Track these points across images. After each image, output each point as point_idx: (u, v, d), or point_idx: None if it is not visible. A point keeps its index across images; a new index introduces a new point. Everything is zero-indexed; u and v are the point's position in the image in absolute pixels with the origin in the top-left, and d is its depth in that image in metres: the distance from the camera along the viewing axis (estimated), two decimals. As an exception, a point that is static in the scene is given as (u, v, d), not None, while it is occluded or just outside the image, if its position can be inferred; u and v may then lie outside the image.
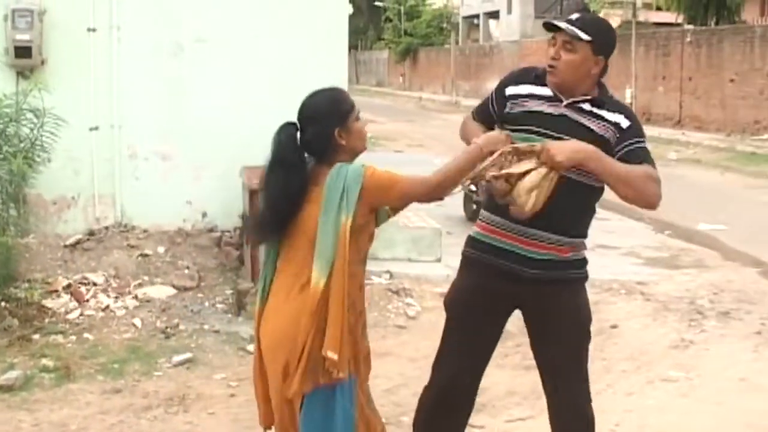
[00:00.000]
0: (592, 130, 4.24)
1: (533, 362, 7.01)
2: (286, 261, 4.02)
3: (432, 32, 67.39)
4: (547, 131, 4.24)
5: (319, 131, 3.95)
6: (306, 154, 4.02)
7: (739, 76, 28.48)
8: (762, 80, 27.29)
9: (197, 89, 9.60)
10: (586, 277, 4.54)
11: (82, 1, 9.32)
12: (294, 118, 4.05)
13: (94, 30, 9.36)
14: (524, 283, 4.35)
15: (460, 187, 4.13)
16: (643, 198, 4.23)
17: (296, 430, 4.00)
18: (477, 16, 66.00)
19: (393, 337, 8.02)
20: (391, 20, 71.52)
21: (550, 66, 4.30)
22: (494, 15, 61.89)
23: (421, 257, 10.33)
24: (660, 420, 6.27)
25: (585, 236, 4.46)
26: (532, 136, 4.24)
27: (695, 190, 18.59)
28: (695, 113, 30.41)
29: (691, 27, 33.51)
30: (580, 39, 4.21)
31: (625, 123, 4.28)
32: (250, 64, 9.64)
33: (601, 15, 45.09)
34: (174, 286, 8.62)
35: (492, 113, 4.53)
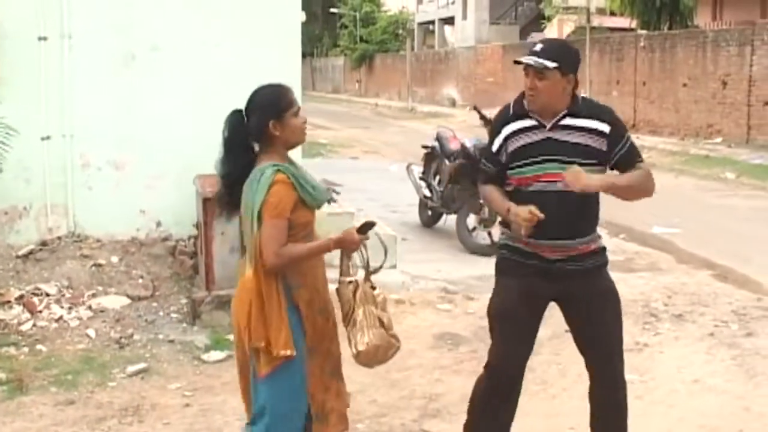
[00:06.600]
0: (579, 144, 4.84)
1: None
2: (246, 245, 4.48)
3: (388, 38, 67.50)
4: (543, 156, 4.83)
5: (257, 120, 4.45)
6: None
7: (692, 80, 28.70)
8: (714, 84, 27.52)
9: (150, 98, 9.55)
10: (606, 262, 5.12)
11: (32, 10, 9.23)
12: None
13: (45, 39, 9.28)
14: (554, 278, 4.93)
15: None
16: (644, 196, 4.99)
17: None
18: (432, 22, 66.23)
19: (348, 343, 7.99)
20: (346, 27, 71.53)
21: (530, 95, 4.86)
22: (449, 21, 62.14)
23: (377, 264, 10.30)
24: (615, 423, 6.29)
25: (596, 230, 5.07)
26: (535, 165, 4.84)
27: (649, 193, 18.69)
28: (649, 117, 30.61)
29: (644, 32, 33.73)
30: (548, 68, 4.76)
31: (606, 128, 4.87)
32: (203, 72, 9.60)
33: (555, 20, 45.41)
34: (128, 296, 8.56)
35: (500, 161, 5.00)
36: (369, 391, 6.86)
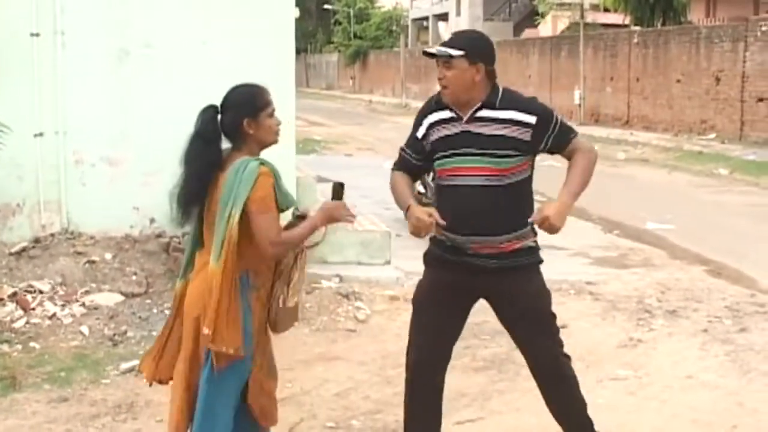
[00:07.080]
0: (497, 135, 4.76)
1: (482, 364, 7.08)
2: (206, 239, 4.51)
3: (381, 35, 67.55)
4: (459, 150, 4.82)
5: (231, 117, 4.49)
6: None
7: (685, 77, 28.76)
8: (708, 80, 27.58)
9: (144, 95, 9.53)
10: (538, 263, 4.98)
11: (25, 6, 9.19)
12: None
13: (37, 35, 9.24)
14: (479, 274, 4.83)
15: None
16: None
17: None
18: (426, 19, 66.25)
19: (343, 341, 8.00)
20: (340, 23, 71.54)
21: (442, 86, 4.85)
22: (443, 17, 62.14)
23: (371, 260, 10.32)
24: (609, 418, 6.29)
25: (525, 227, 4.84)
26: (453, 158, 4.84)
27: (643, 189, 18.76)
28: (643, 113, 30.65)
29: (638, 28, 33.79)
30: (452, 56, 4.75)
31: (531, 119, 4.79)
32: (197, 69, 9.56)
33: (549, 17, 45.40)
34: (122, 293, 8.54)
35: (423, 149, 5.01)
36: (363, 388, 6.85)
